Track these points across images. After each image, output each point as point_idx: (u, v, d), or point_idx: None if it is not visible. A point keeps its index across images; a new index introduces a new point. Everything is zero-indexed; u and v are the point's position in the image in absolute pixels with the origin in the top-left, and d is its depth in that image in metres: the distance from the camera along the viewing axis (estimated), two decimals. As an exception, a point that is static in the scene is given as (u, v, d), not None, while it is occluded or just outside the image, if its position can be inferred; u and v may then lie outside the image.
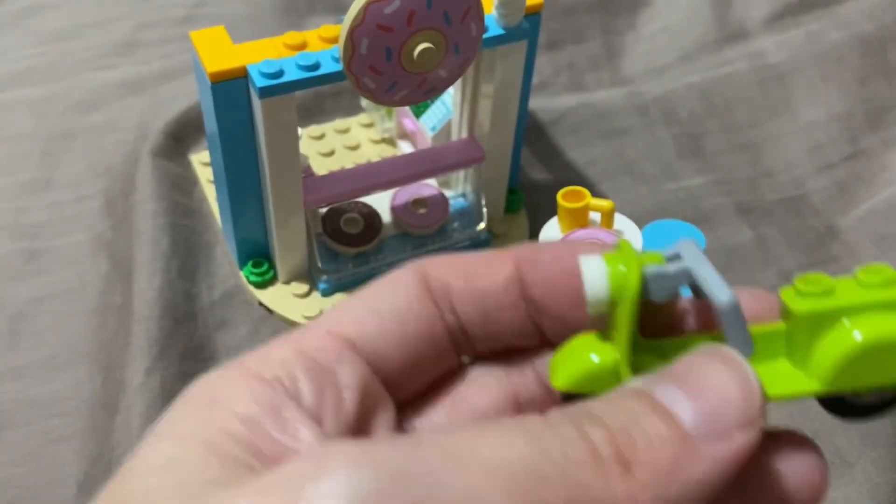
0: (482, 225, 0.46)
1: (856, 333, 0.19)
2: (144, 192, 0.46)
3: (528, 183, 0.50)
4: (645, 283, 0.19)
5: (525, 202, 0.49)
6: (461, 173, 0.46)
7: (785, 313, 0.20)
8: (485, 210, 0.46)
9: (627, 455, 0.15)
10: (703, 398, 0.16)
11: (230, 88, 0.37)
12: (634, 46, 0.59)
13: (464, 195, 0.47)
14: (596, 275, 0.20)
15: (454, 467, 0.15)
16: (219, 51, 0.37)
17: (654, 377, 0.17)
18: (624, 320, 0.19)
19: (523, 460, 0.15)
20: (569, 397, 0.20)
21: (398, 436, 0.20)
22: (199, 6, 0.61)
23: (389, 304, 0.21)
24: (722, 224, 0.48)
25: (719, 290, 0.19)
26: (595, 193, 0.49)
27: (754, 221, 0.48)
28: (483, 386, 0.22)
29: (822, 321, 0.19)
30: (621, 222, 0.43)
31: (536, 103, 0.54)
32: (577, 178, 0.51)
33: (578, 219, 0.42)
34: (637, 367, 0.20)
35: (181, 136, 0.51)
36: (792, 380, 0.19)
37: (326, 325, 0.20)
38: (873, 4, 0.59)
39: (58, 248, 0.45)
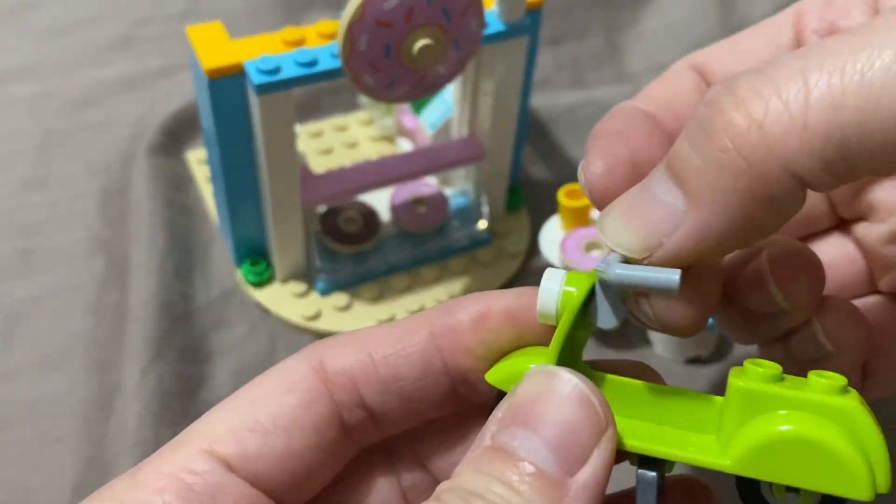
0: (482, 223, 0.45)
1: (782, 425, 0.18)
2: (140, 191, 0.46)
3: (529, 181, 0.50)
4: (592, 307, 0.20)
5: (526, 200, 0.48)
6: (461, 171, 0.46)
7: (728, 387, 0.20)
8: (485, 208, 0.45)
9: None
10: (550, 431, 0.17)
11: (227, 85, 0.36)
12: (637, 43, 0.59)
13: (464, 193, 0.46)
14: (549, 288, 0.20)
15: None
16: (216, 47, 0.36)
17: (499, 420, 0.18)
18: (560, 333, 0.20)
19: None
20: (500, 394, 0.20)
21: None
22: (198, 1, 0.60)
23: (273, 416, 0.19)
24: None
25: (665, 275, 0.18)
26: (597, 192, 0.48)
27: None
28: (368, 483, 0.21)
29: (757, 403, 0.19)
30: (624, 221, 0.43)
31: (538, 100, 0.54)
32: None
33: (580, 217, 0.41)
34: None
35: (178, 133, 0.50)
36: (708, 450, 0.19)
37: (201, 442, 0.19)
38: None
39: (53, 247, 0.45)
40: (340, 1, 0.60)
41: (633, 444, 0.19)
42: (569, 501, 0.16)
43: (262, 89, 0.35)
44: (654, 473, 0.19)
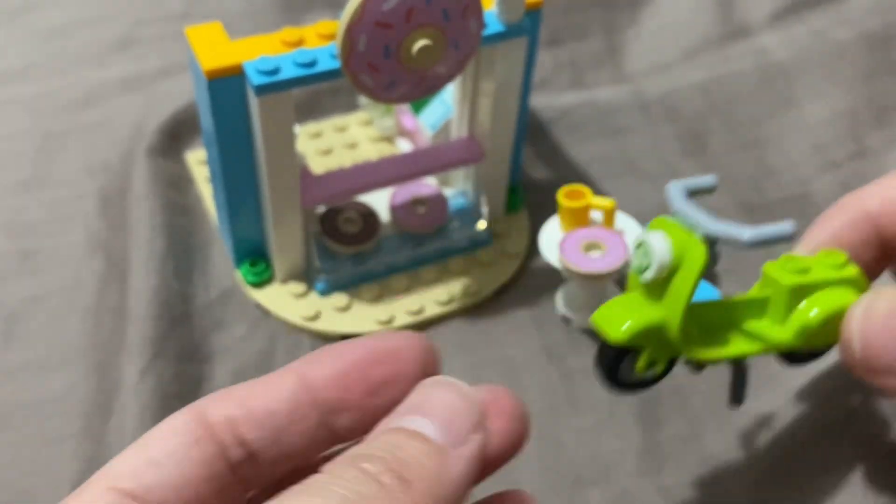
0: (482, 224, 0.45)
1: (816, 305, 0.29)
2: (140, 191, 0.46)
3: (529, 182, 0.50)
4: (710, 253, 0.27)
5: (526, 201, 0.48)
6: (461, 172, 0.46)
7: (769, 282, 0.29)
8: (485, 209, 0.45)
9: (404, 474, 0.19)
10: (439, 416, 0.21)
11: (227, 86, 0.36)
12: (636, 43, 0.59)
13: (463, 194, 0.46)
14: (661, 243, 0.27)
15: None
16: (215, 47, 0.36)
17: (398, 413, 0.21)
18: (689, 282, 0.27)
19: None
20: (619, 354, 0.28)
21: None
22: (197, 2, 0.60)
23: (166, 452, 0.21)
24: (725, 223, 0.47)
25: (737, 231, 0.27)
26: (597, 192, 0.48)
27: (758, 220, 0.47)
28: None
29: (800, 293, 0.29)
30: (623, 221, 0.43)
31: (537, 101, 0.54)
32: (579, 177, 0.50)
33: (579, 218, 0.41)
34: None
35: (177, 133, 0.50)
36: (772, 333, 0.29)
37: (106, 481, 0.21)
38: (877, 1, 0.58)
39: (52, 248, 0.45)
40: (340, 1, 0.60)
41: (731, 351, 0.29)
42: (449, 462, 0.20)
43: (262, 90, 0.35)
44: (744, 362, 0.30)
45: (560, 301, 0.43)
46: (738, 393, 0.30)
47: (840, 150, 0.51)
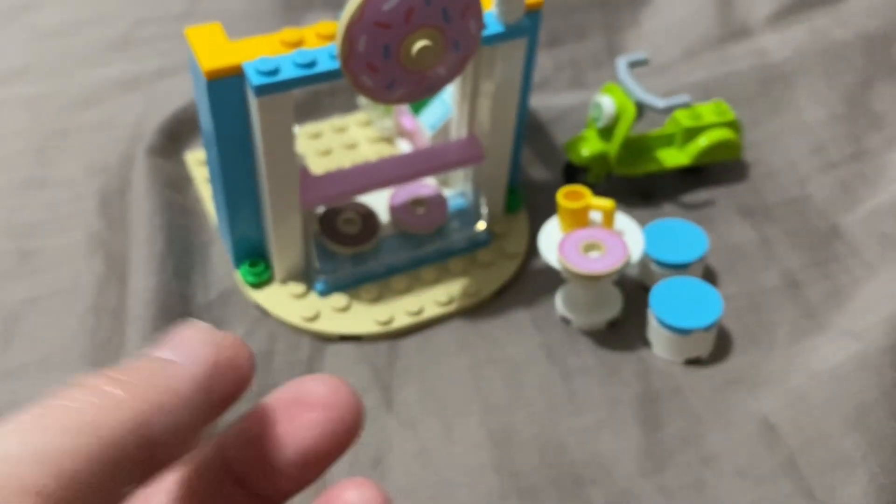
0: (481, 224, 0.45)
1: (704, 139, 0.48)
2: (140, 191, 0.46)
3: (529, 182, 0.50)
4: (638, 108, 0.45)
5: (526, 201, 0.48)
6: (460, 172, 0.46)
7: (676, 124, 0.48)
8: (484, 209, 0.45)
9: (116, 375, 0.18)
10: (177, 344, 0.21)
11: (226, 86, 0.36)
12: (636, 44, 0.59)
13: (463, 194, 0.46)
14: (609, 103, 0.45)
15: None
16: (215, 48, 0.36)
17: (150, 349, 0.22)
18: (623, 129, 0.45)
19: (41, 431, 0.16)
20: (577, 169, 0.48)
21: None
22: (197, 2, 0.60)
23: None
24: (724, 224, 0.47)
25: (655, 100, 0.45)
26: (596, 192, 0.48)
27: (757, 221, 0.48)
28: None
29: (694, 130, 0.48)
30: (622, 222, 0.43)
31: (537, 101, 0.54)
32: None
33: (579, 218, 0.41)
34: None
35: (177, 134, 0.50)
36: (674, 157, 0.48)
37: None
38: (877, 2, 0.58)
39: (52, 248, 0.45)
40: (340, 2, 0.60)
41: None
42: (175, 371, 0.20)
43: (261, 90, 0.35)
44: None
45: (560, 301, 0.43)
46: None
47: (838, 151, 0.51)
